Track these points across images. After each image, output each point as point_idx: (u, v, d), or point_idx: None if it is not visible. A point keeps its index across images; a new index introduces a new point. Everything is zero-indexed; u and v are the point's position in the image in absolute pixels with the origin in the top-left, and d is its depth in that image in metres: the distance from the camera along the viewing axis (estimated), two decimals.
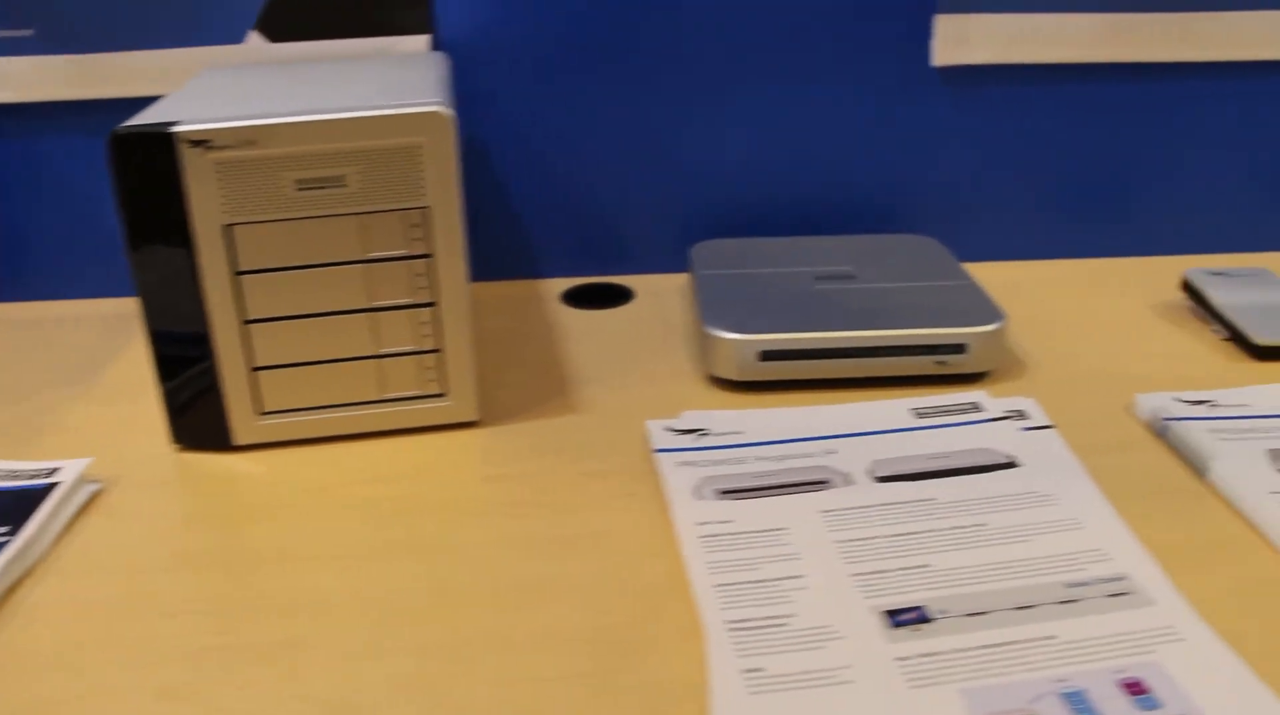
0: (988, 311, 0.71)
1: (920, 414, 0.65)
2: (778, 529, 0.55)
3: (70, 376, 0.75)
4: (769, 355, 0.69)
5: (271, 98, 0.63)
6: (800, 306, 0.72)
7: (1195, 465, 0.61)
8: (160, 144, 0.57)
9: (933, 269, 0.78)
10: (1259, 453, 0.61)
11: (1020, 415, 0.65)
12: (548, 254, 0.91)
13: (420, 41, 0.84)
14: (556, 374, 0.74)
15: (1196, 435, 0.62)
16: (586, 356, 0.76)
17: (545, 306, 0.85)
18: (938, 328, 0.69)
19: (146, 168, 0.58)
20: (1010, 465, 0.60)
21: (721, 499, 0.58)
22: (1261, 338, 0.73)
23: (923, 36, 0.84)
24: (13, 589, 0.53)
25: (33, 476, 0.61)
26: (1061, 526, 0.55)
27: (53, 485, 0.59)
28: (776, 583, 0.51)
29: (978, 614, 0.49)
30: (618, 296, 0.87)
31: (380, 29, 0.83)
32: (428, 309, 0.64)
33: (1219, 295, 0.79)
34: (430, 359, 0.66)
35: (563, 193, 0.88)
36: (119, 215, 0.66)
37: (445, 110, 0.59)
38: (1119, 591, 0.50)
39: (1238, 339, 0.75)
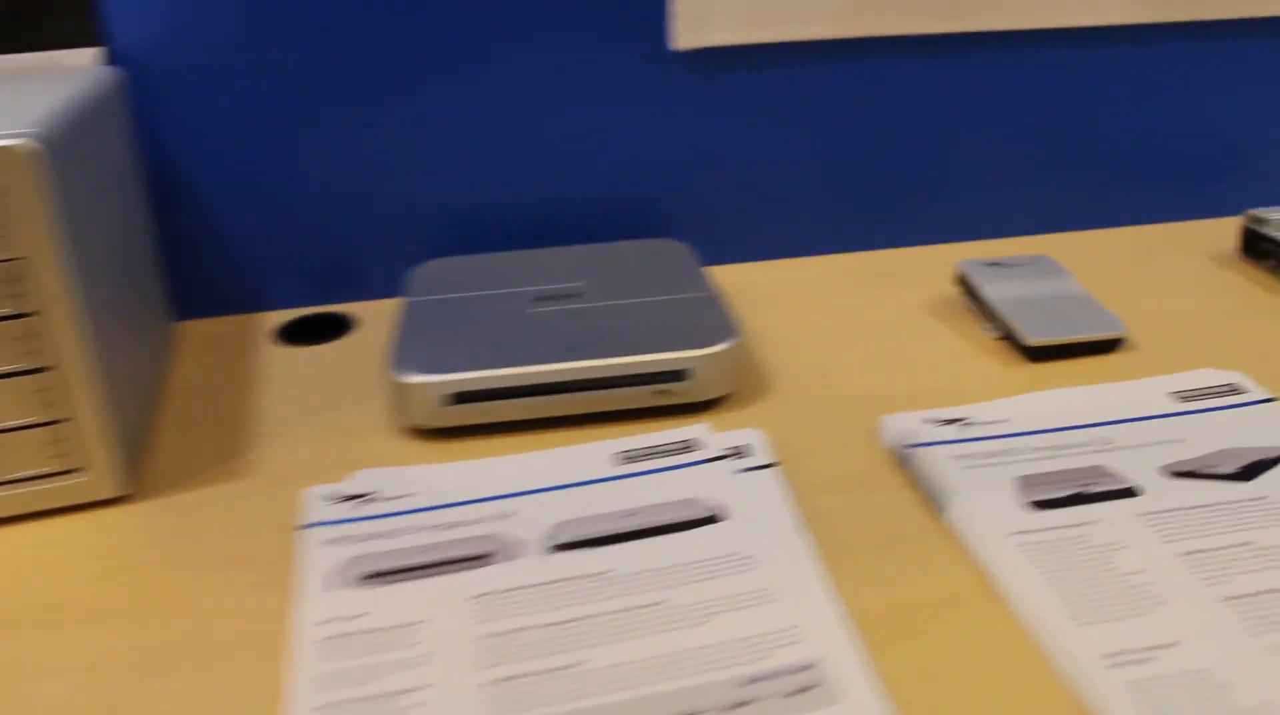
0: (719, 329, 0.61)
1: (627, 458, 0.56)
2: (414, 623, 0.45)
3: None
4: (461, 397, 0.59)
5: None
6: (505, 336, 0.62)
7: (934, 502, 0.52)
8: None
9: (673, 280, 0.68)
10: (1006, 482, 0.52)
11: (740, 452, 0.55)
12: (266, 284, 0.79)
13: (86, 56, 0.72)
14: (238, 430, 0.63)
15: (939, 465, 0.54)
16: (280, 406, 0.65)
17: (252, 346, 0.74)
18: (655, 353, 0.59)
19: None
20: (713, 520, 0.51)
21: (362, 585, 0.48)
22: (1033, 337, 0.65)
23: (659, 17, 0.75)
24: None
25: None
26: (753, 600, 0.45)
27: None
28: (392, 699, 0.41)
29: None
30: (338, 328, 0.76)
31: (37, 42, 0.71)
32: (42, 375, 0.53)
33: (992, 289, 0.70)
34: (61, 430, 0.55)
35: (277, 215, 0.77)
36: None
37: (27, 144, 0.48)
38: (802, 687, 0.41)
39: (1011, 338, 0.66)
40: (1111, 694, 0.39)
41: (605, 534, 0.50)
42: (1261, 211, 0.78)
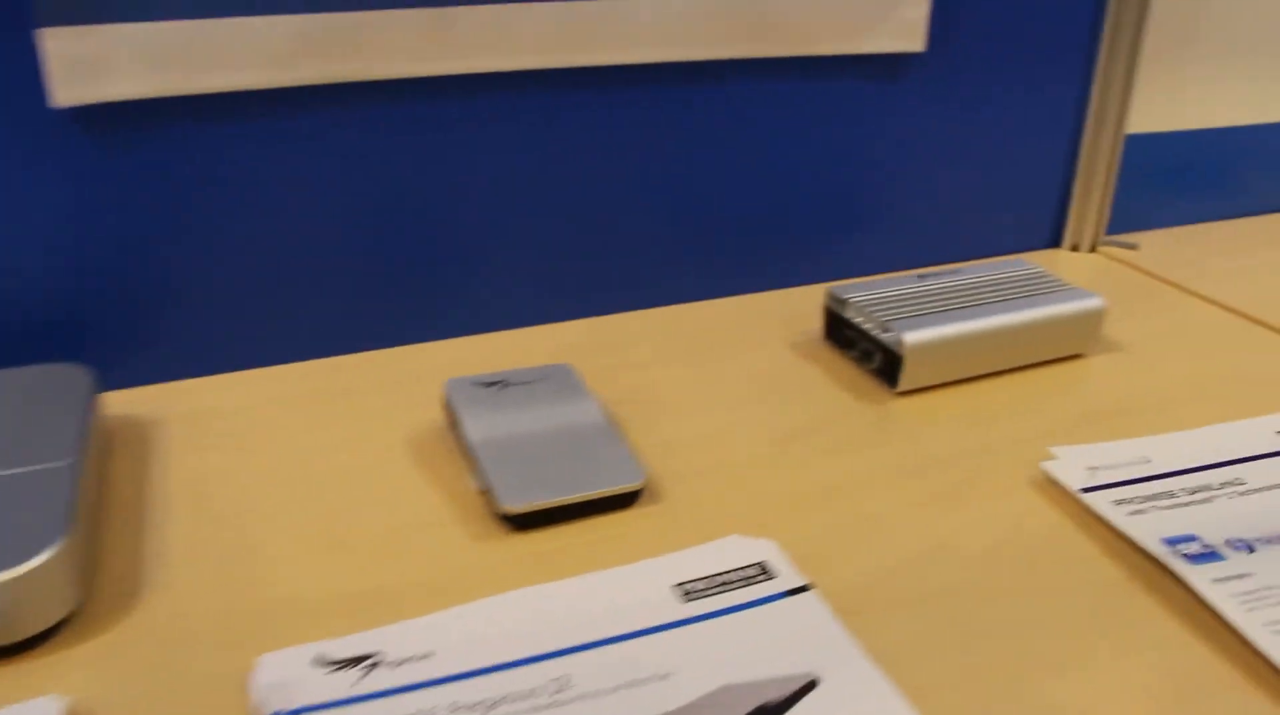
0: (46, 528, 0.41)
1: None
2: None
3: None
4: None
5: None
6: None
7: None
8: None
9: (36, 438, 0.48)
10: None
11: None
12: None
13: None
14: None
15: None
16: None
17: None
18: None
19: None
20: None
21: None
22: (510, 503, 0.48)
23: (31, 65, 0.54)
24: None
25: None
26: None
27: None
28: None
29: None
30: None
31: None
32: None
33: (475, 425, 0.53)
34: None
35: None
36: None
37: None
38: None
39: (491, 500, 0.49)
40: None
41: None
42: (842, 288, 0.64)
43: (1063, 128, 0.79)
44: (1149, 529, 0.47)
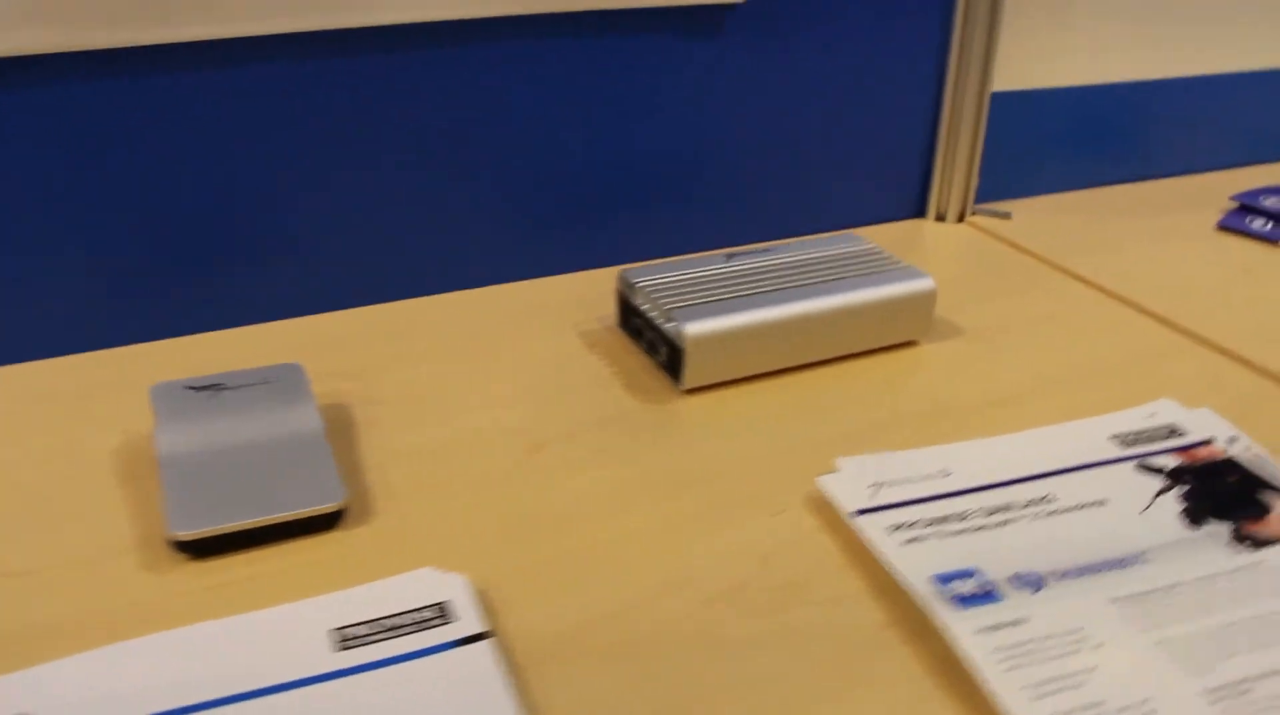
0: None
1: None
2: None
3: None
4: None
5: None
6: None
7: None
8: None
9: None
10: None
11: None
12: None
13: None
14: None
15: None
16: None
17: None
18: None
19: None
20: None
21: None
22: (181, 529, 0.41)
23: None
24: None
25: None
26: None
27: None
28: None
29: None
30: None
31: None
32: None
33: (169, 436, 0.45)
34: None
35: None
36: None
37: None
38: None
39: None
40: None
41: None
42: (634, 270, 0.57)
43: (923, 83, 0.71)
44: (921, 562, 0.40)
